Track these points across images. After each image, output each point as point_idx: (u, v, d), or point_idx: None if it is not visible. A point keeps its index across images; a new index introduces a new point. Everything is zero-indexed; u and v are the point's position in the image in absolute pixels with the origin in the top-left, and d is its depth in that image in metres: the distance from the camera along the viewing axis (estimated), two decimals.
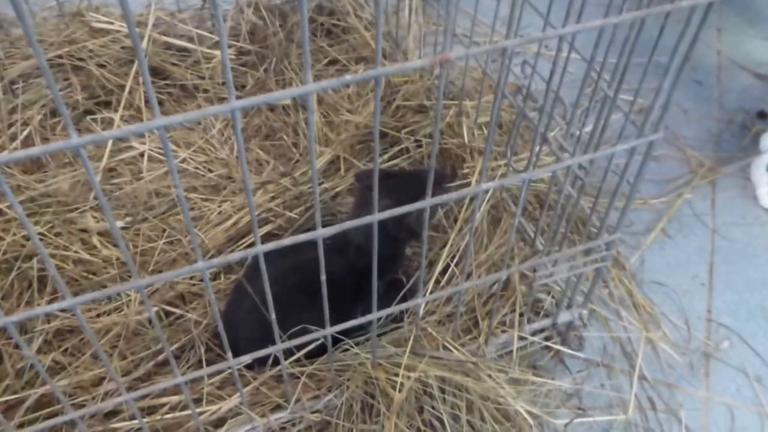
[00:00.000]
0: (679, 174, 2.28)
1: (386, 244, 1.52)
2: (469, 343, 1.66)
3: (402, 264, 1.85)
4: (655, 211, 2.17)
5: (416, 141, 2.11)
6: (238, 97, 2.28)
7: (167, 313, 1.79)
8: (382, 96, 2.20)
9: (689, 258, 2.06)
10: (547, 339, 1.80)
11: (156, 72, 2.32)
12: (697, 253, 2.08)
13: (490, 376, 1.54)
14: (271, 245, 1.04)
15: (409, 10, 2.44)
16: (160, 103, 2.31)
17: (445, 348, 1.59)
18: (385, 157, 2.11)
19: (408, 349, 1.51)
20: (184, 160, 2.16)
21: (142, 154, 2.16)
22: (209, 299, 1.07)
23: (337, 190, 2.04)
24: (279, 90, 2.24)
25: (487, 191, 1.87)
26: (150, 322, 1.76)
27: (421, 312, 1.68)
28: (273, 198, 1.99)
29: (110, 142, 2.12)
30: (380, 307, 1.32)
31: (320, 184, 2.03)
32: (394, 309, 1.36)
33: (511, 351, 1.70)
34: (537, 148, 1.72)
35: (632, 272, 2.02)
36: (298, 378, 1.55)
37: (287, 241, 1.05)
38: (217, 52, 2.33)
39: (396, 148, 2.13)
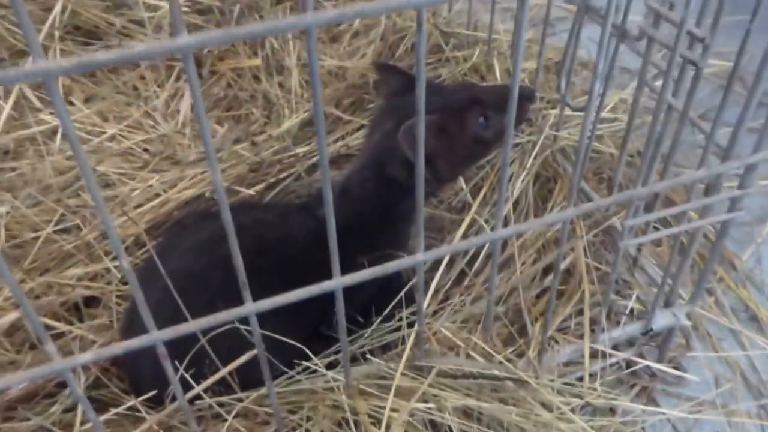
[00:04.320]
0: None
1: (383, 194, 1.15)
2: (511, 359, 1.02)
3: (405, 239, 1.22)
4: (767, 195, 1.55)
5: None
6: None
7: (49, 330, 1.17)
8: (382, 38, 1.62)
9: None
10: (629, 365, 1.16)
11: (82, 30, 1.74)
12: None
13: (544, 405, 0.91)
14: None
15: None
16: (91, 73, 1.71)
17: (470, 359, 0.95)
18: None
19: (403, 361, 0.88)
20: (113, 138, 1.55)
21: (54, 132, 1.55)
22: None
23: (314, 160, 1.42)
24: (247, 52, 1.68)
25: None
26: (22, 345, 1.16)
27: (433, 305, 1.06)
28: (222, 171, 1.38)
29: (5, 113, 1.52)
30: (361, 295, 0.72)
31: (291, 154, 1.42)
32: (365, 274, 0.71)
33: (579, 379, 1.06)
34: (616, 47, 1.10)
35: (747, 273, 1.41)
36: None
37: None
38: (163, 3, 1.73)
39: None
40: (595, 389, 0.99)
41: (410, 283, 1.07)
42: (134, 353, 0.95)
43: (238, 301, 0.68)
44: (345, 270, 0.71)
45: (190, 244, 1.06)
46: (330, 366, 0.98)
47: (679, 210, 0.95)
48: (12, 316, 1.12)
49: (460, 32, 1.63)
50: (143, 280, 1.04)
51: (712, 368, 1.23)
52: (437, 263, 1.21)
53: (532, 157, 1.27)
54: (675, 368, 1.19)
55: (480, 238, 0.78)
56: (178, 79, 1.72)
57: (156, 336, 0.67)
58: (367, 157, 1.16)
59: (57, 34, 1.67)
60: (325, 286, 0.70)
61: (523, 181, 1.27)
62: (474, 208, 1.24)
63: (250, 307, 0.68)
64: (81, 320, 1.22)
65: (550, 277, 1.15)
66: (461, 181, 1.36)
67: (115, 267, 1.24)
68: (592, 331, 1.09)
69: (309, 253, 0.98)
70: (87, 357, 0.64)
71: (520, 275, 1.12)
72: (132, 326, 1.03)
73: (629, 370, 1.17)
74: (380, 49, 1.63)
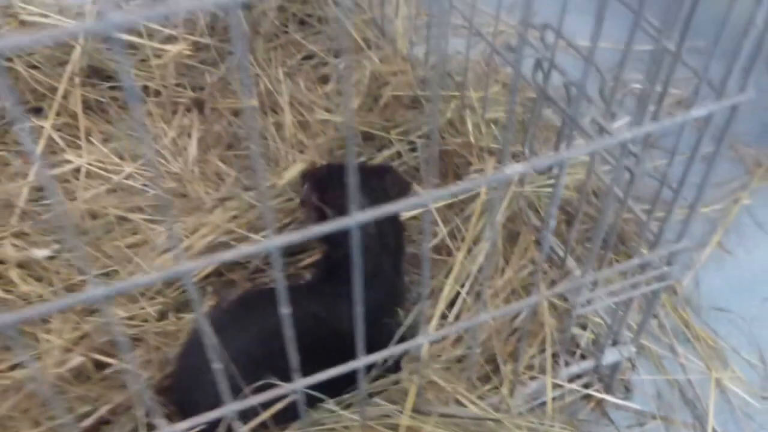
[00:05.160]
0: (732, 176, 1.90)
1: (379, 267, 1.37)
2: (488, 395, 1.27)
3: (404, 296, 1.48)
4: (707, 221, 1.79)
5: (410, 143, 1.76)
6: (196, 102, 1.93)
7: (99, 365, 1.41)
8: (366, 91, 1.82)
9: (755, 276, 1.69)
10: (586, 386, 1.41)
11: (97, 72, 1.94)
12: (765, 271, 1.71)
13: None
14: (285, 238, 0.66)
15: None
16: (103, 109, 1.93)
17: (457, 402, 1.19)
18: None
19: (409, 405, 1.12)
20: (129, 176, 1.76)
21: (77, 170, 1.76)
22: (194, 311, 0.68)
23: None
24: (242, 90, 1.89)
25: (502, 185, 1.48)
26: (78, 376, 1.38)
27: (425, 356, 1.30)
28: (234, 217, 1.61)
29: (38, 155, 1.72)
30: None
31: (290, 200, 1.64)
32: (383, 354, 0.96)
33: (542, 403, 1.31)
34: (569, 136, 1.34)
35: (686, 297, 1.64)
36: None
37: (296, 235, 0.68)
38: (169, 48, 1.94)
39: (386, 152, 1.78)
40: (553, 425, 1.23)
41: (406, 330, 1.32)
42: (189, 387, 1.20)
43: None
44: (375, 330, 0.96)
45: (252, 329, 1.28)
46: (343, 405, 1.23)
47: (642, 261, 1.19)
48: (77, 359, 1.35)
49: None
50: (201, 348, 1.27)
51: (656, 384, 1.48)
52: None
53: (501, 212, 1.50)
54: (624, 386, 1.45)
55: (457, 326, 1.02)
56: (183, 116, 1.93)
57: (229, 408, 0.90)
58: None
59: (77, 80, 1.86)
60: (352, 365, 0.94)
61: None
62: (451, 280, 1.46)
63: (299, 383, 0.92)
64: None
65: (520, 317, 1.40)
66: (441, 226, 1.59)
67: (152, 308, 1.47)
68: (555, 363, 1.35)
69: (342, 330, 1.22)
70: (184, 426, 0.87)
71: (493, 323, 1.37)
72: (189, 378, 1.26)
73: (586, 391, 1.42)
74: (363, 99, 1.85)
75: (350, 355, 0.97)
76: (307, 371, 0.93)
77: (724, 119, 1.00)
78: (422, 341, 0.97)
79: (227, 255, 0.69)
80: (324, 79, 1.99)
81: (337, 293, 1.30)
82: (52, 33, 0.45)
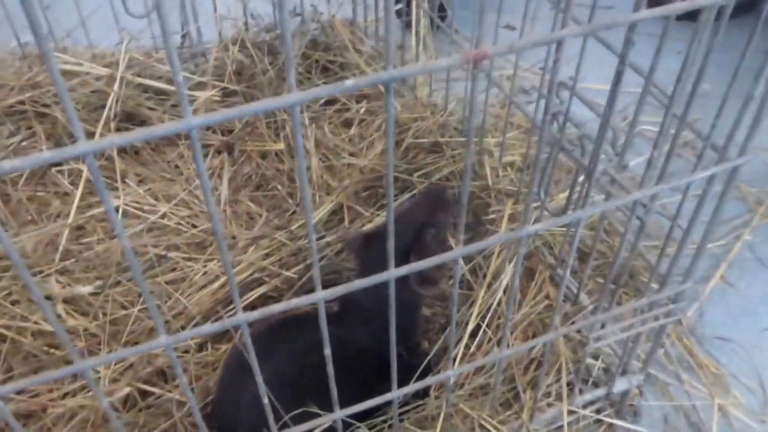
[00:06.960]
0: (735, 213, 2.01)
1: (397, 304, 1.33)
2: (509, 420, 1.37)
3: (420, 325, 1.56)
4: (711, 256, 1.90)
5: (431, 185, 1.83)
6: (225, 145, 2.04)
7: (144, 393, 1.52)
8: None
9: (755, 308, 1.79)
10: (599, 411, 1.50)
11: (130, 117, 2.05)
12: (764, 302, 1.81)
13: None
14: (256, 314, 0.75)
15: (416, 40, 2.16)
16: (136, 152, 2.04)
17: (482, 428, 1.29)
18: (396, 204, 1.83)
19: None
20: (164, 215, 1.87)
21: (116, 209, 1.87)
22: (180, 381, 0.78)
23: (339, 245, 1.75)
24: (272, 135, 2.00)
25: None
26: (125, 404, 1.48)
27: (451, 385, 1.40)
28: (267, 255, 1.71)
29: (78, 197, 1.84)
30: (403, 381, 1.03)
31: (321, 238, 1.75)
32: (417, 386, 1.06)
33: (558, 428, 1.41)
34: (583, 185, 1.44)
35: (690, 327, 1.74)
36: None
37: (279, 306, 0.77)
38: (199, 94, 2.05)
39: (408, 194, 1.89)
40: None
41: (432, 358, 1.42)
42: (231, 418, 1.29)
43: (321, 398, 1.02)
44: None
45: (286, 351, 1.38)
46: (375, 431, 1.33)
47: (631, 315, 1.30)
48: (126, 389, 1.45)
49: (454, 139, 1.93)
50: (238, 375, 1.37)
51: (662, 409, 1.57)
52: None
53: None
54: (633, 411, 1.54)
55: (482, 360, 1.12)
56: (213, 158, 2.05)
57: None
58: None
59: (113, 124, 1.97)
60: (387, 396, 1.03)
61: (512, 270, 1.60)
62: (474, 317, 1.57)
63: (338, 414, 1.02)
64: (166, 381, 1.55)
65: (536, 348, 1.50)
66: (459, 260, 1.69)
67: (192, 340, 1.57)
68: (570, 390, 1.45)
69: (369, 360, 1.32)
70: None
71: (514, 355, 1.47)
72: (227, 402, 1.36)
73: (599, 416, 1.51)
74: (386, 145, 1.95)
75: (365, 372, 1.07)
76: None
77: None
78: (450, 373, 1.07)
79: (206, 328, 0.79)
80: (347, 123, 2.10)
81: (352, 320, 1.43)
82: None
